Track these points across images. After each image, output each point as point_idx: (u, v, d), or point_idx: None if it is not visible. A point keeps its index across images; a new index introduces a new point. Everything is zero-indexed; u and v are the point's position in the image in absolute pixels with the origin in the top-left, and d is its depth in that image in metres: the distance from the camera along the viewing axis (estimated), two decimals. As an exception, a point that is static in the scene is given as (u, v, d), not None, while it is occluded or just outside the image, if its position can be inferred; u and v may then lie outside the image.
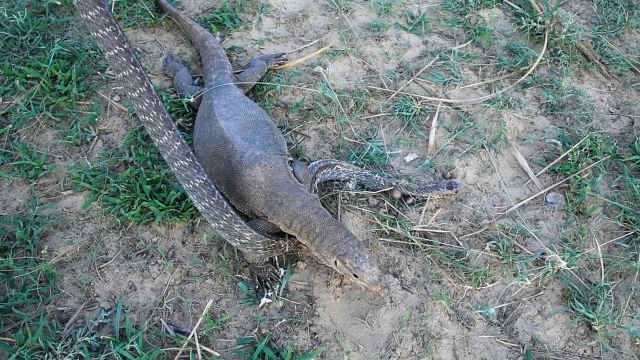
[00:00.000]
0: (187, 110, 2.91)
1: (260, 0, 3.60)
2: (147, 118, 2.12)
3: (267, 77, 3.15)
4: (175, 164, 2.17)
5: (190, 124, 2.88)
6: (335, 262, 2.22)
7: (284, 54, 3.27)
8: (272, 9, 3.57)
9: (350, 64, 3.31)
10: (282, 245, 2.37)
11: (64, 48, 3.06)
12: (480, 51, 3.48)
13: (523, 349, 2.31)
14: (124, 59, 2.04)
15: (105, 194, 2.57)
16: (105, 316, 2.24)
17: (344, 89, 3.14)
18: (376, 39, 3.46)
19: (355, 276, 2.18)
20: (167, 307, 2.31)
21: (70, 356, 2.08)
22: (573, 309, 2.40)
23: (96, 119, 2.87)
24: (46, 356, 2.08)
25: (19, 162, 2.67)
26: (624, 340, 2.36)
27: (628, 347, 2.35)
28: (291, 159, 2.59)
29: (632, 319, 2.41)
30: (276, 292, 2.35)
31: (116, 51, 2.03)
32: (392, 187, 2.67)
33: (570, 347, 2.34)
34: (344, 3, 3.61)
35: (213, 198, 2.19)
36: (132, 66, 2.04)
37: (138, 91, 2.08)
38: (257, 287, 2.38)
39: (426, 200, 2.68)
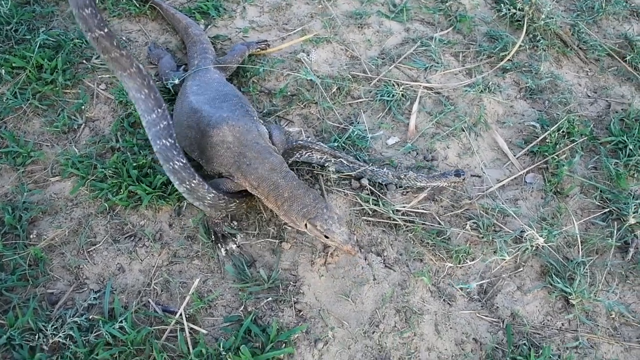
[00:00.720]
0: (174, 96, 2.94)
1: (244, -11, 3.64)
2: (138, 95, 2.18)
3: (250, 64, 3.19)
4: (158, 142, 2.22)
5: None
6: (306, 225, 2.28)
7: (266, 40, 3.31)
8: (256, -2, 3.61)
9: (333, 51, 3.36)
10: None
11: (50, 37, 3.07)
12: (460, 37, 3.54)
13: (503, 323, 2.38)
14: (108, 43, 2.09)
15: (93, 180, 2.60)
16: (94, 297, 2.27)
17: (327, 75, 3.19)
18: (359, 27, 3.51)
19: (327, 237, 2.25)
20: (155, 287, 2.35)
21: (60, 336, 2.11)
22: (551, 284, 2.47)
23: (83, 107, 2.89)
24: (37, 336, 2.11)
25: (7, 149, 2.69)
26: (600, 313, 2.44)
27: (604, 320, 2.43)
28: (262, 122, 2.62)
29: (608, 292, 2.49)
30: (236, 245, 2.47)
31: (98, 34, 2.07)
32: (401, 180, 2.69)
33: (548, 320, 2.41)
34: (327, -8, 3.66)
35: (194, 181, 2.26)
36: (117, 49, 2.10)
37: (129, 71, 2.15)
38: (212, 239, 2.46)
39: (437, 189, 2.73)
